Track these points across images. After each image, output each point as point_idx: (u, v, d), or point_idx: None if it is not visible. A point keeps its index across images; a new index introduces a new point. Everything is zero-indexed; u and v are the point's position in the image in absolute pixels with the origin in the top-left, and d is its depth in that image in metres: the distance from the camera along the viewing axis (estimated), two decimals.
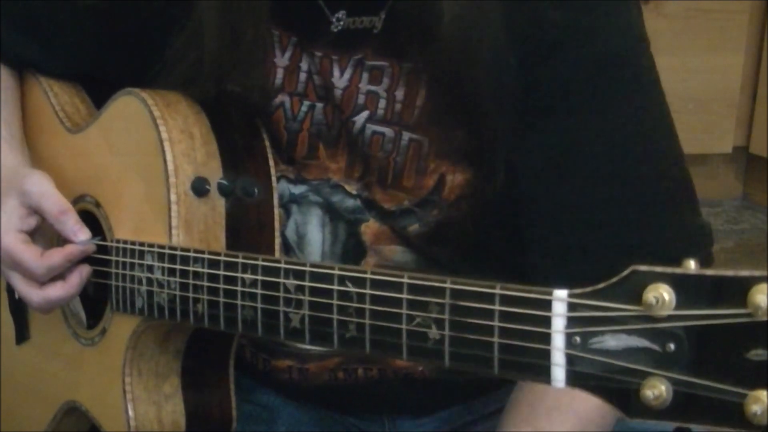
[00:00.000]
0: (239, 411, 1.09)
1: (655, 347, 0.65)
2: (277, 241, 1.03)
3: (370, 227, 1.05)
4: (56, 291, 1.05)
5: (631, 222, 0.97)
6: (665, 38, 1.81)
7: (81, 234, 1.04)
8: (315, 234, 1.07)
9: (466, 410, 1.15)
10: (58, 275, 1.05)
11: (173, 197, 0.98)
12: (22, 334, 1.18)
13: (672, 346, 0.64)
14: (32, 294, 1.06)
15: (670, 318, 0.64)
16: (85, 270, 1.06)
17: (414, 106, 1.01)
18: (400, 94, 1.01)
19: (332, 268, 0.82)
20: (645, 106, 0.98)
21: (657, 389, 0.64)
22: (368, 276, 0.79)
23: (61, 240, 1.07)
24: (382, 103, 1.02)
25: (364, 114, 1.02)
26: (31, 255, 1.05)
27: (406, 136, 1.01)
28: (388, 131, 1.02)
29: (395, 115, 1.02)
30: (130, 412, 1.03)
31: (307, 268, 0.84)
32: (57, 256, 1.04)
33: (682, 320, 0.64)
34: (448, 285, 0.74)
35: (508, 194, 1.00)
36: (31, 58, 1.16)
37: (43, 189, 1.05)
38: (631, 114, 0.98)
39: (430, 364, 0.76)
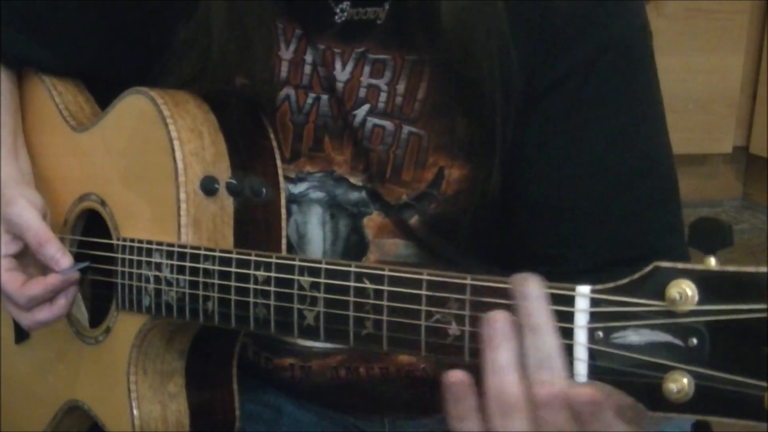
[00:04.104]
0: (242, 410, 1.09)
1: (678, 342, 0.66)
2: (284, 241, 1.03)
3: (373, 220, 1.05)
4: (43, 314, 1.06)
5: (617, 213, 0.98)
6: (665, 38, 1.82)
7: (62, 262, 1.04)
8: (315, 233, 1.07)
9: None
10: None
11: (182, 196, 0.98)
12: (21, 334, 1.17)
13: (694, 340, 0.66)
14: (20, 316, 1.08)
15: (692, 313, 0.66)
16: (71, 292, 1.06)
17: (415, 99, 1.02)
18: (401, 87, 1.02)
19: (349, 265, 0.83)
20: (642, 99, 1.00)
21: (679, 383, 0.66)
22: (386, 273, 0.80)
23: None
24: (383, 97, 1.03)
25: (365, 107, 1.03)
26: (12, 285, 1.06)
27: (406, 129, 1.02)
28: (389, 125, 1.03)
29: (396, 108, 1.03)
30: (135, 411, 1.03)
31: (323, 266, 0.85)
32: (37, 287, 1.05)
33: (705, 315, 0.65)
34: (468, 281, 0.75)
35: (507, 189, 1.01)
36: (33, 57, 1.16)
37: (24, 220, 1.06)
38: (632, 104, 0.99)
39: (449, 361, 0.77)
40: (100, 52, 1.13)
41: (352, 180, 1.05)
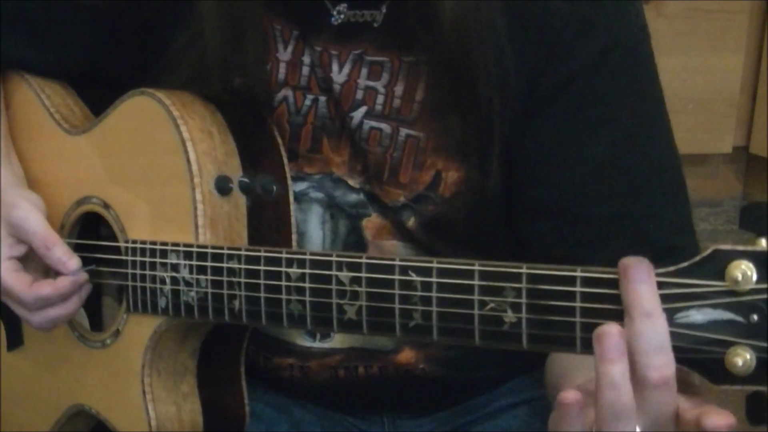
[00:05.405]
0: None
1: (740, 319, 0.71)
2: (294, 237, 1.04)
3: (372, 221, 1.07)
4: (56, 311, 1.06)
5: (632, 213, 1.00)
6: (665, 38, 1.81)
7: (70, 264, 1.04)
8: (315, 231, 1.08)
9: (465, 410, 1.17)
10: None
11: (198, 196, 0.98)
12: (14, 340, 1.15)
13: (755, 317, 0.71)
14: (29, 316, 1.07)
15: (752, 291, 0.71)
16: (84, 289, 1.06)
17: (413, 101, 1.03)
18: (399, 89, 1.03)
19: (393, 259, 0.85)
20: (647, 98, 1.02)
21: (743, 357, 0.71)
22: (434, 265, 0.83)
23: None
24: (380, 99, 1.04)
25: (362, 109, 1.04)
26: (20, 285, 1.05)
27: (404, 131, 1.04)
28: (386, 127, 1.04)
29: (393, 110, 1.04)
30: (151, 413, 1.02)
31: (364, 260, 0.87)
32: (47, 288, 1.04)
33: (764, 293, 0.70)
34: (524, 270, 0.78)
35: (505, 191, 1.02)
36: (23, 58, 1.14)
37: (30, 224, 1.05)
38: (633, 105, 1.01)
39: (506, 348, 0.79)
40: (96, 55, 1.12)
41: (351, 182, 1.06)
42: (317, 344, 1.11)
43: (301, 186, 1.07)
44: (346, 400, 1.16)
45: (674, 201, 1.01)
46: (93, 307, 1.13)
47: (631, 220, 0.99)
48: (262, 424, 1.16)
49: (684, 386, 0.75)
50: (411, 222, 1.05)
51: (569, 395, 0.73)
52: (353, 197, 1.06)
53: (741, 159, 2.08)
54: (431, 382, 1.12)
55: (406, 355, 1.10)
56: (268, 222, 1.03)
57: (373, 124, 1.04)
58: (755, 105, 2.02)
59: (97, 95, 1.12)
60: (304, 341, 1.11)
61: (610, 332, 0.73)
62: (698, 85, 1.89)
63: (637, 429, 0.73)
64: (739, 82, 1.98)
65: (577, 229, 1.00)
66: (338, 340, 1.10)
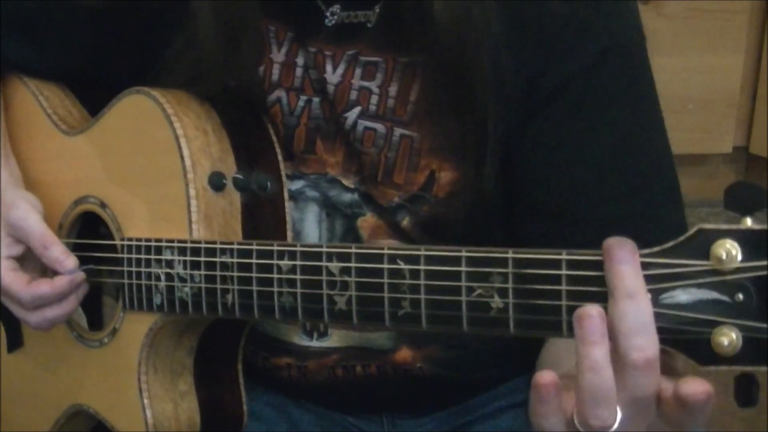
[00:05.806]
0: None
1: (725, 298, 0.70)
2: (289, 234, 1.04)
3: (367, 221, 1.07)
4: (53, 311, 1.06)
5: (631, 214, 0.99)
6: (665, 38, 1.80)
7: (67, 264, 1.05)
8: (312, 230, 1.08)
9: (465, 410, 1.17)
10: None
11: (192, 192, 0.98)
12: (14, 341, 1.16)
13: (741, 296, 0.70)
14: (27, 315, 1.07)
15: (737, 270, 0.70)
16: (81, 289, 1.06)
17: (407, 101, 1.03)
18: (393, 89, 1.03)
19: (381, 248, 0.85)
20: (644, 99, 1.02)
21: (729, 337, 0.70)
22: (422, 253, 0.82)
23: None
24: (375, 99, 1.04)
25: (357, 110, 1.04)
26: (17, 284, 1.06)
27: (398, 132, 1.04)
28: (380, 127, 1.04)
29: (388, 110, 1.04)
30: (148, 411, 1.02)
31: (353, 250, 0.86)
32: (45, 286, 1.05)
33: (749, 272, 0.70)
34: (510, 255, 0.78)
35: (501, 190, 1.02)
36: (22, 58, 1.15)
37: (28, 224, 1.06)
38: (631, 107, 1.01)
39: (493, 334, 0.79)
40: (94, 57, 1.13)
41: (345, 182, 1.06)
42: (315, 343, 1.10)
43: (297, 185, 1.07)
44: (345, 400, 1.15)
45: (672, 201, 1.01)
46: (93, 307, 1.13)
47: (631, 221, 0.98)
48: (262, 423, 1.16)
49: (667, 372, 0.74)
50: (406, 222, 1.05)
51: (544, 376, 0.72)
52: (348, 197, 1.06)
53: (741, 159, 2.06)
54: (429, 381, 1.11)
55: (404, 354, 1.10)
56: (264, 219, 1.03)
57: (368, 124, 1.04)
58: (755, 105, 2.00)
59: (96, 97, 1.12)
60: (302, 340, 1.11)
61: (590, 314, 0.72)
62: (698, 85, 1.88)
63: (618, 411, 0.72)
64: (739, 82, 1.96)
65: (576, 230, 0.99)
66: (336, 339, 1.10)
